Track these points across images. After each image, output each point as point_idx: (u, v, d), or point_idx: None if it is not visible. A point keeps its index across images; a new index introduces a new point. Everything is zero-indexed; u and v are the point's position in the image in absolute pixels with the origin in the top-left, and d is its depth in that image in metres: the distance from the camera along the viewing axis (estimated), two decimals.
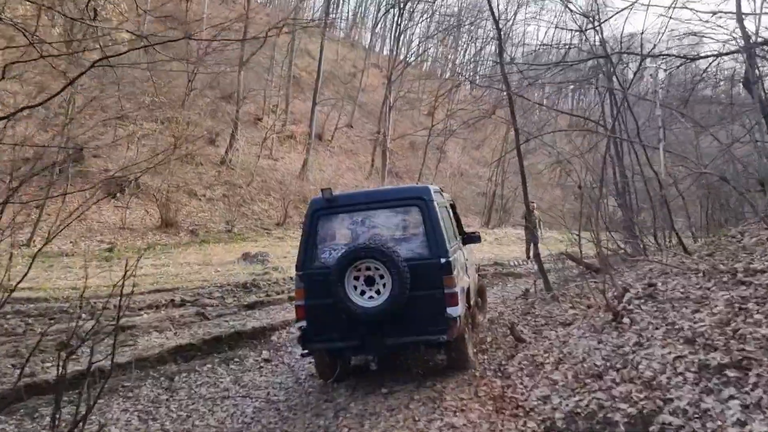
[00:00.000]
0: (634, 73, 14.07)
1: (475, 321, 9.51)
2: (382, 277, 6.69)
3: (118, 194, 24.67)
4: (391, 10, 45.98)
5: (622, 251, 11.43)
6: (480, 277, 10.49)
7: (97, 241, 21.94)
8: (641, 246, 11.49)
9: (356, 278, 6.77)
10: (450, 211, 8.44)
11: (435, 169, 40.95)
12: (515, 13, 56.00)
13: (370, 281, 6.76)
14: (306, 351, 7.09)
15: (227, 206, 26.63)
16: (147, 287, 13.52)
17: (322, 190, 7.23)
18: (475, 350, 7.72)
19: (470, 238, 9.20)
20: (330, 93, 41.29)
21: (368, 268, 6.74)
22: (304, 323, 7.02)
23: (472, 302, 8.20)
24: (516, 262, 20.18)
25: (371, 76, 49.77)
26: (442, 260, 6.74)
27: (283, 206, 28.14)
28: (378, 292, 6.73)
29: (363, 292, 6.78)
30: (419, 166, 39.43)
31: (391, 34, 49.55)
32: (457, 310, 6.74)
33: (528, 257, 21.81)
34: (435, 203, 7.07)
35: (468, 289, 7.82)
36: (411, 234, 6.98)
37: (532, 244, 22.30)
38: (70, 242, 20.95)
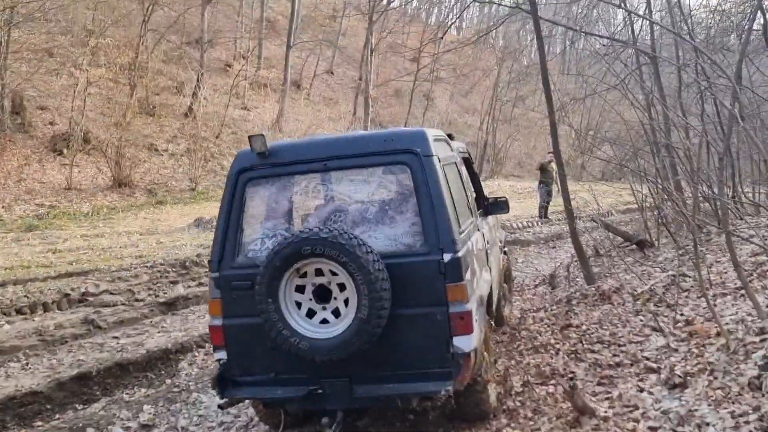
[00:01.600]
0: None
1: (502, 319, 6.84)
2: (342, 287, 4.16)
3: (64, 150, 21.96)
4: None
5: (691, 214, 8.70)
6: (505, 256, 7.56)
7: (36, 204, 19.48)
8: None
9: (299, 289, 4.24)
10: (462, 169, 5.77)
11: (422, 118, 38.37)
12: None
13: (322, 294, 4.23)
14: (225, 401, 4.56)
15: (192, 162, 24.02)
16: (57, 269, 10.91)
17: (250, 137, 4.51)
18: (500, 387, 5.06)
19: (495, 206, 6.53)
20: (308, 38, 38.29)
21: (319, 273, 4.19)
22: (223, 355, 4.53)
23: (494, 306, 5.63)
24: (520, 224, 17.30)
25: (352, 19, 46.65)
26: (447, 257, 4.14)
27: None
28: (336, 312, 4.20)
29: (311, 314, 4.24)
30: (405, 115, 36.72)
31: None
32: (471, 342, 4.18)
33: (540, 217, 19.21)
34: (436, 159, 4.41)
35: (490, 294, 5.23)
36: (395, 212, 4.39)
37: (546, 204, 20.32)
38: (2, 206, 18.34)
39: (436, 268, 4.13)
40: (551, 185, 19.70)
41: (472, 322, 4.20)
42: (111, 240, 14.43)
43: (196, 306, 9.10)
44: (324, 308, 4.22)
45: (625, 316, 6.28)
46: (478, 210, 6.06)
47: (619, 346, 5.54)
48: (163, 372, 6.82)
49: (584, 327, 6.32)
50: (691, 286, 6.53)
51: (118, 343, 7.32)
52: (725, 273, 6.73)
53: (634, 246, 10.13)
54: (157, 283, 10.17)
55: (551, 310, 7.53)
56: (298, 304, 4.23)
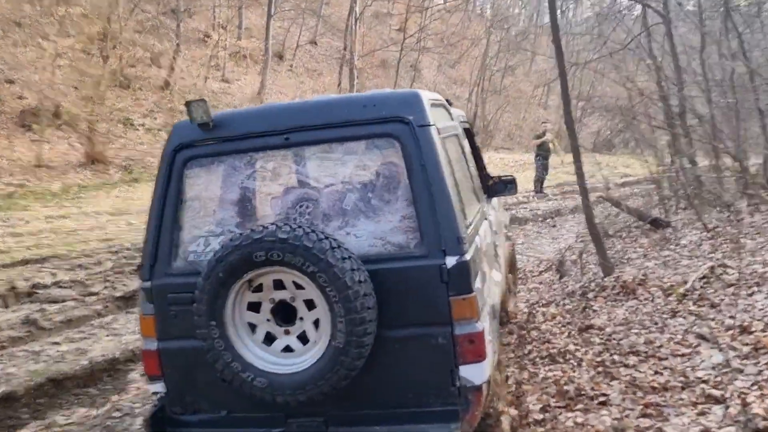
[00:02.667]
0: None
1: (507, 316, 5.86)
2: (311, 304, 3.24)
3: (33, 125, 20.79)
4: None
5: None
6: (510, 242, 6.44)
7: (3, 183, 18.38)
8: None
9: (253, 307, 3.32)
10: (465, 143, 4.74)
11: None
12: None
13: (284, 314, 3.31)
14: None
15: None
16: (13, 256, 9.88)
17: (189, 104, 3.48)
18: (513, 412, 4.04)
19: (500, 187, 5.53)
20: (290, 6, 36.86)
21: (279, 285, 3.26)
22: (160, 388, 3.63)
23: (507, 304, 4.64)
24: (515, 199, 16.22)
25: None
26: (450, 261, 3.22)
27: None
28: (303, 338, 3.30)
29: (269, 339, 3.32)
30: (392, 86, 35.51)
31: None
32: (483, 371, 3.28)
33: (536, 191, 18.22)
34: (434, 130, 3.42)
35: (502, 299, 4.24)
36: (381, 201, 3.46)
37: (543, 178, 19.31)
38: None
39: (436, 276, 3.20)
40: (549, 157, 18.77)
41: (485, 346, 3.26)
42: (78, 221, 13.46)
43: None
44: (287, 332, 3.28)
45: (659, 317, 5.29)
46: (482, 192, 5.03)
47: (661, 359, 4.55)
48: (108, 386, 5.78)
49: (608, 330, 5.33)
50: (737, 280, 5.54)
51: (57, 351, 6.30)
52: None
53: (647, 226, 9.14)
54: (119, 271, 9.10)
55: (563, 304, 6.55)
56: (252, 327, 3.30)
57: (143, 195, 17.19)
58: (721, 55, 10.11)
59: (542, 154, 18.38)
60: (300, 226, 3.11)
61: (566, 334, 5.56)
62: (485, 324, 3.34)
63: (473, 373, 3.24)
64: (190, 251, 3.56)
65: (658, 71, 10.20)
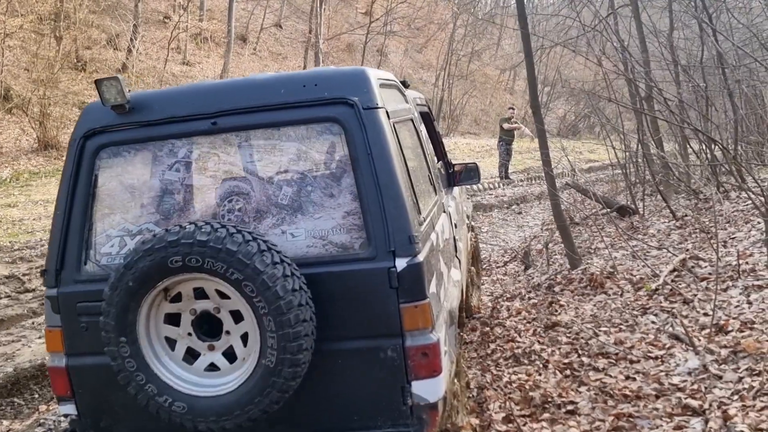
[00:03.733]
0: None
1: (470, 310, 5.50)
2: (238, 315, 2.86)
3: None
4: None
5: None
6: (473, 233, 6.09)
7: None
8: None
9: (171, 320, 2.94)
10: (421, 128, 4.36)
11: None
12: None
13: (208, 327, 2.94)
14: None
15: None
16: None
17: (99, 82, 3.05)
18: (475, 421, 3.67)
19: (464, 175, 5.18)
20: None
21: (201, 294, 2.89)
22: (71, 410, 3.23)
23: (470, 298, 4.28)
24: (480, 185, 15.91)
25: None
26: (400, 264, 2.88)
27: None
28: (229, 355, 2.94)
29: (191, 356, 2.95)
30: None
31: None
32: (438, 387, 2.96)
33: (501, 177, 17.95)
34: (383, 113, 3.06)
35: (464, 296, 3.87)
36: (322, 195, 3.09)
37: (506, 163, 19.07)
38: None
39: (384, 280, 2.87)
40: (512, 143, 18.57)
41: (440, 358, 2.89)
42: (24, 210, 12.93)
43: None
44: (211, 348, 2.92)
45: (629, 314, 4.98)
46: (442, 181, 4.64)
47: (632, 362, 4.23)
48: (36, 395, 5.30)
49: (575, 328, 5.01)
50: (710, 274, 5.23)
51: None
52: (750, 255, 5.45)
53: (614, 213, 8.87)
54: None
55: (528, 298, 6.22)
56: (171, 343, 2.87)
57: None
58: (688, 38, 9.85)
59: (505, 139, 18.16)
60: (223, 226, 2.71)
61: (531, 331, 5.24)
62: (440, 334, 2.98)
63: (427, 390, 2.90)
64: (103, 253, 3.14)
65: (624, 53, 9.90)
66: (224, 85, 3.27)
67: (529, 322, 5.46)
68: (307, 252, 2.95)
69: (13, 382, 5.39)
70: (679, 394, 3.72)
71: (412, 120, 3.97)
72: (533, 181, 17.49)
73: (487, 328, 5.53)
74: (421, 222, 3.12)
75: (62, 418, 4.75)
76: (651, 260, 6.07)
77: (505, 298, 6.47)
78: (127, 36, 26.55)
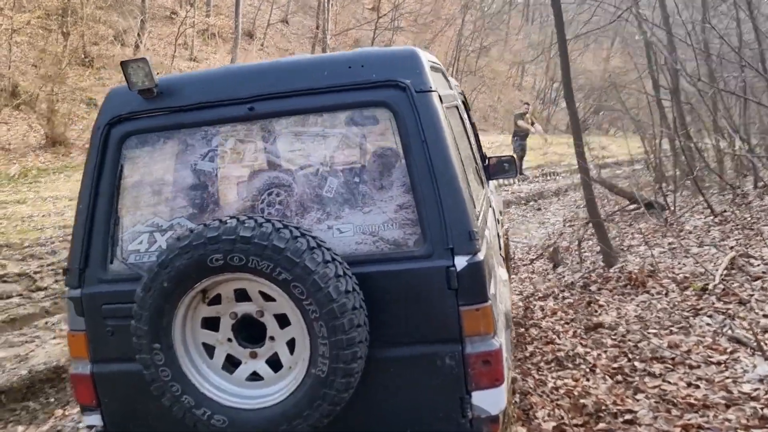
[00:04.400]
0: None
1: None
2: (284, 320, 2.59)
3: None
4: None
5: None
6: (504, 228, 5.46)
7: None
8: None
9: (209, 324, 2.67)
10: (465, 117, 4.10)
11: None
12: None
13: (250, 332, 2.66)
14: None
15: None
16: None
17: (125, 64, 2.77)
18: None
19: (500, 167, 4.91)
20: None
21: (243, 296, 2.62)
22: (96, 421, 2.96)
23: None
24: (495, 181, 15.62)
25: None
26: (461, 262, 2.61)
27: None
28: (275, 363, 2.66)
29: (231, 364, 2.68)
30: None
31: None
32: (500, 398, 2.68)
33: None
34: (436, 97, 2.77)
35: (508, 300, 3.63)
36: (371, 187, 2.82)
37: (520, 160, 18.80)
38: None
39: (442, 281, 2.59)
40: (526, 138, 18.32)
41: (502, 366, 2.65)
42: (34, 207, 12.60)
43: None
44: (253, 355, 2.64)
45: (679, 315, 4.68)
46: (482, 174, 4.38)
47: (692, 368, 3.95)
48: (52, 399, 5.04)
49: (621, 329, 4.72)
50: (764, 272, 4.95)
51: None
52: None
53: (641, 209, 8.58)
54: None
55: (562, 297, 5.93)
56: (209, 350, 2.64)
57: None
58: (717, 27, 9.53)
59: (520, 134, 17.91)
60: (268, 221, 2.44)
61: (571, 333, 4.96)
62: (502, 339, 2.71)
63: (489, 401, 2.63)
64: (131, 251, 2.88)
65: (648, 46, 9.61)
66: (261, 68, 2.99)
67: (567, 323, 5.19)
68: (356, 249, 2.69)
69: (27, 386, 5.13)
70: (753, 403, 3.45)
71: (457, 107, 3.70)
72: (548, 177, 17.19)
73: (522, 329, 5.26)
74: (477, 216, 2.86)
75: (81, 426, 4.52)
76: (692, 258, 5.79)
77: (536, 298, 6.19)
78: (134, 32, 26.33)
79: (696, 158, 8.30)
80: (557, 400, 3.93)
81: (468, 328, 2.60)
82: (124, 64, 2.76)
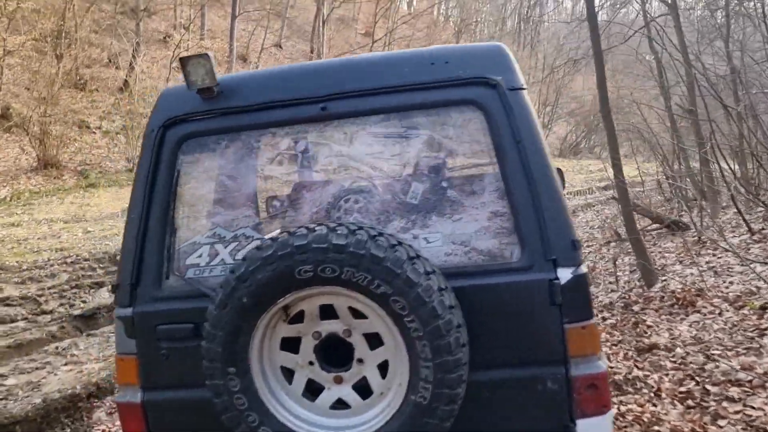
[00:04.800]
0: None
1: None
2: (374, 339, 2.31)
3: None
4: None
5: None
6: None
7: None
8: None
9: (289, 346, 2.38)
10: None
11: None
12: None
13: (334, 354, 2.37)
14: None
15: (129, 140, 21.58)
16: None
17: (184, 61, 2.49)
18: None
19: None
20: (254, 7, 35.74)
21: (327, 313, 2.34)
22: None
23: None
24: None
25: None
26: (564, 275, 2.34)
27: None
28: (363, 389, 2.35)
29: (312, 391, 2.38)
30: None
31: None
32: (607, 428, 2.39)
33: None
34: (527, 97, 2.53)
35: None
36: (461, 193, 2.59)
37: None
38: None
39: (545, 295, 2.33)
40: None
41: (609, 391, 2.41)
42: (28, 229, 12.37)
43: None
44: (338, 380, 2.34)
45: (743, 336, 4.40)
46: None
47: None
48: (68, 430, 4.65)
49: (679, 350, 4.42)
50: None
51: (3, 386, 5.09)
52: None
53: (664, 229, 8.34)
54: (76, 285, 7.91)
55: (603, 318, 5.63)
56: (287, 375, 2.35)
57: (101, 201, 16.10)
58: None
59: None
60: (361, 227, 2.14)
61: (622, 355, 4.68)
62: (605, 362, 2.41)
63: (594, 431, 2.30)
64: (189, 265, 2.59)
65: (659, 65, 9.44)
66: (335, 65, 2.69)
67: (614, 345, 4.90)
68: (446, 261, 2.39)
69: (42, 415, 4.79)
70: None
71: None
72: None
73: None
74: (575, 227, 2.57)
75: None
76: (736, 276, 5.54)
77: None
78: (128, 55, 26.11)
79: (724, 176, 8.08)
80: (625, 427, 3.63)
81: (573, 348, 2.32)
82: (183, 61, 2.50)
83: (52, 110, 19.83)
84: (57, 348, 6.06)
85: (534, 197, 2.35)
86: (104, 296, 7.48)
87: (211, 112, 2.61)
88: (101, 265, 8.87)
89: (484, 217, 2.44)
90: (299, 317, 2.31)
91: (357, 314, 2.26)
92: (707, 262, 6.27)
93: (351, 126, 2.60)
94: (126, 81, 25.04)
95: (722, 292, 5.32)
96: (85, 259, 9.31)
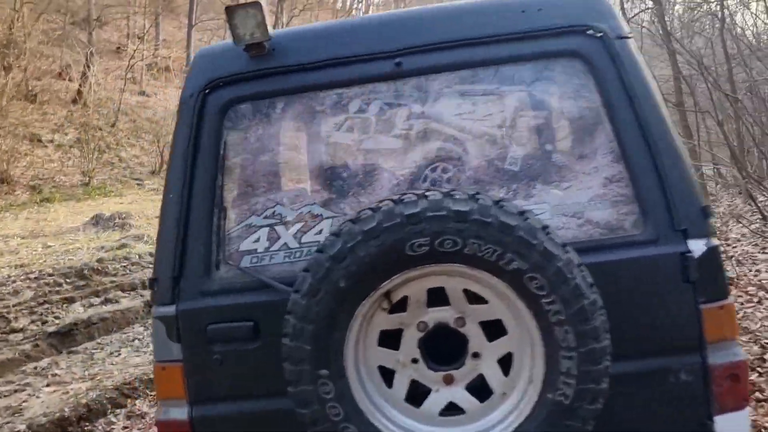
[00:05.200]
0: None
1: None
2: (495, 329, 1.89)
3: None
4: None
5: None
6: None
7: None
8: None
9: (386, 340, 1.92)
10: None
11: None
12: None
13: (441, 348, 1.91)
14: None
15: (84, 154, 20.80)
16: None
17: (230, 11, 2.06)
18: None
19: None
20: (210, 17, 35.15)
21: (437, 299, 1.90)
22: None
23: None
24: None
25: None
26: (697, 246, 2.00)
27: (158, 151, 22.81)
28: (479, 388, 1.91)
29: (416, 395, 1.92)
30: None
31: None
32: (746, 425, 2.02)
33: None
34: (635, 47, 2.18)
35: None
36: (566, 157, 2.18)
37: None
38: None
39: (674, 272, 2.01)
40: None
41: (747, 383, 2.07)
42: None
43: (106, 336, 6.26)
44: (448, 380, 1.93)
45: None
46: None
47: None
48: None
49: None
50: None
51: None
52: None
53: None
54: (44, 302, 7.27)
55: None
56: (386, 376, 1.95)
57: (58, 216, 15.39)
58: None
59: None
60: (478, 192, 1.75)
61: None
62: (742, 353, 2.08)
63: (735, 428, 2.01)
64: (245, 251, 2.15)
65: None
66: (410, 15, 2.32)
67: None
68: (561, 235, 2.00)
69: None
70: None
71: None
72: None
73: None
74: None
75: None
76: (762, 264, 5.30)
77: None
78: (80, 66, 25.25)
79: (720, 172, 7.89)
80: None
81: (710, 332, 1.99)
82: (230, 12, 2.08)
83: (2, 123, 19.00)
84: (36, 368, 5.44)
85: (654, 159, 2.04)
86: (79, 311, 6.86)
87: (262, 72, 2.18)
88: (68, 280, 8.24)
89: (597, 184, 2.10)
90: (401, 305, 1.90)
91: (474, 299, 1.88)
92: (723, 252, 6.04)
93: (432, 83, 2.20)
94: (80, 92, 24.27)
95: (754, 280, 5.05)
96: (50, 275, 8.66)
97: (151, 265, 9.68)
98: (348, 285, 1.78)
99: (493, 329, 1.90)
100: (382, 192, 2.16)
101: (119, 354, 5.78)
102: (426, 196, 1.76)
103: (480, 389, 1.92)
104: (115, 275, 8.60)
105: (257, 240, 2.17)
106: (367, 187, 2.19)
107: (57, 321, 6.54)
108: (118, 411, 4.70)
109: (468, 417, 1.90)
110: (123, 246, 10.58)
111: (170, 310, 2.12)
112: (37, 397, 4.82)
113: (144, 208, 15.44)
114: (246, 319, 2.02)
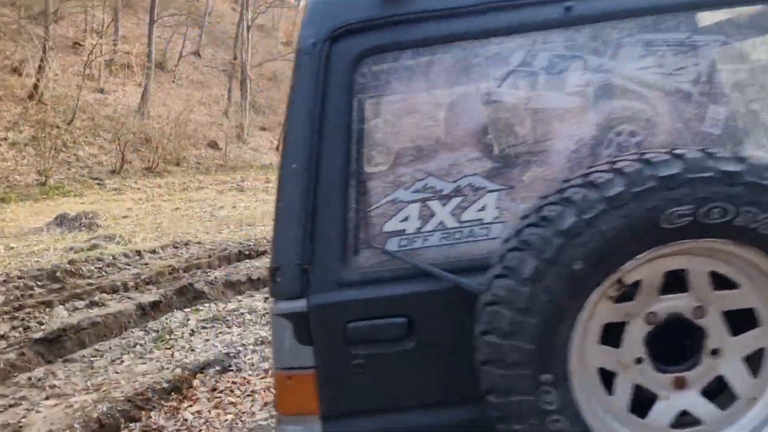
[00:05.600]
0: None
1: None
2: (744, 320, 1.50)
3: None
4: None
5: None
6: None
7: None
8: None
9: (608, 336, 1.53)
10: None
11: None
12: None
13: (668, 347, 1.53)
14: None
15: (39, 152, 20.07)
16: None
17: None
18: None
19: None
20: (171, 14, 34.35)
21: (675, 285, 1.51)
22: None
23: None
24: None
25: (218, 2, 43.06)
26: None
27: (118, 149, 22.33)
28: (717, 393, 1.56)
29: (641, 402, 1.54)
30: (284, 99, 33.84)
31: None
32: None
33: None
34: None
35: None
36: None
37: None
38: None
39: None
40: None
41: None
42: None
43: (102, 342, 5.67)
44: (679, 383, 1.58)
45: None
46: None
47: None
48: None
49: None
50: None
51: None
52: None
53: None
54: (19, 306, 6.64)
55: None
56: (606, 378, 1.59)
57: (17, 216, 14.70)
58: None
59: None
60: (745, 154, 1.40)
61: None
62: None
63: None
64: (390, 232, 1.74)
65: None
66: None
67: None
68: None
69: None
70: None
71: None
72: None
73: None
74: None
75: None
76: None
77: None
78: (33, 62, 24.29)
79: None
80: None
81: None
82: None
83: None
84: (30, 378, 4.81)
85: None
86: (63, 315, 6.25)
87: (399, 18, 1.76)
88: (39, 283, 7.61)
89: None
90: (631, 292, 1.55)
91: (721, 284, 1.54)
92: None
93: (611, 31, 1.83)
94: (35, 88, 23.33)
95: None
96: (19, 278, 8.01)
97: (127, 267, 9.16)
98: (584, 267, 1.41)
99: (742, 320, 1.55)
100: (559, 160, 1.77)
101: (122, 361, 5.23)
102: (680, 156, 1.37)
103: (720, 395, 1.58)
104: (90, 277, 8.01)
105: (405, 219, 1.78)
106: (539, 155, 1.78)
107: (42, 327, 5.93)
108: (132, 425, 4.18)
109: (705, 429, 1.55)
110: (94, 247, 9.98)
111: (299, 305, 1.73)
112: (38, 411, 4.25)
113: (109, 208, 14.86)
114: (397, 315, 1.64)
